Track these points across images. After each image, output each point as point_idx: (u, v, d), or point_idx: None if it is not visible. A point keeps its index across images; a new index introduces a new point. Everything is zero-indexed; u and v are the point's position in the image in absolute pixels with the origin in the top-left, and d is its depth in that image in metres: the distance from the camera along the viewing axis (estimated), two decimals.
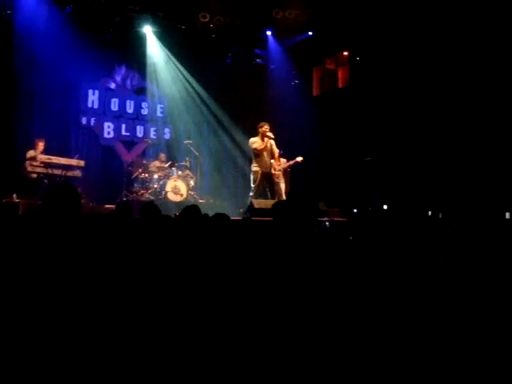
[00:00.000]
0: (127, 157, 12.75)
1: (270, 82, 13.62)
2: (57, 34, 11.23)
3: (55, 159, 9.73)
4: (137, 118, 13.30)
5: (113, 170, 12.29)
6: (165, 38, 12.68)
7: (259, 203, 8.57)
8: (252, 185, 9.36)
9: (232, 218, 4.36)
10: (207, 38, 12.69)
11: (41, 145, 10.01)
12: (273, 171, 9.54)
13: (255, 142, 9.31)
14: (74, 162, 10.01)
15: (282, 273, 2.49)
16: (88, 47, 11.67)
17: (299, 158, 10.86)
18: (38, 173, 9.58)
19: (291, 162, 10.97)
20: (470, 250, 2.83)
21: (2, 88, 10.58)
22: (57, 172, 9.63)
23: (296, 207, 2.75)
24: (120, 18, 11.83)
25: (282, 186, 10.96)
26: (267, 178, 9.44)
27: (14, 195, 9.02)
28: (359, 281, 2.67)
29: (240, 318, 2.44)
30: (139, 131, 13.29)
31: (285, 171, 11.07)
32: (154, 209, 4.66)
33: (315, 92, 13.85)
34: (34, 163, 9.54)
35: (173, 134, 13.53)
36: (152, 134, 13.41)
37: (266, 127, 9.32)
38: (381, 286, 2.77)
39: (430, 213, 9.01)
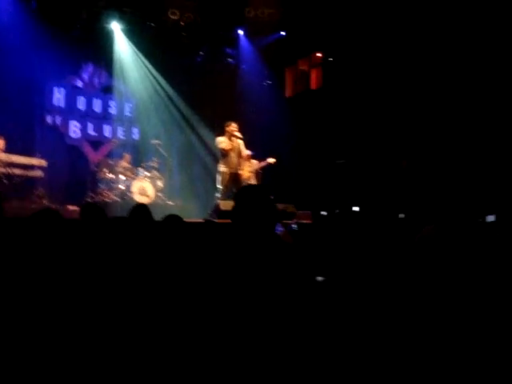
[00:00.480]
0: (94, 157, 12.38)
1: (241, 82, 13.36)
2: (22, 29, 10.88)
3: (15, 158, 9.36)
4: (104, 117, 12.93)
5: (79, 170, 11.88)
6: (133, 35, 12.33)
7: (226, 205, 8.25)
8: (219, 186, 9.09)
9: (194, 221, 4.18)
10: (177, 36, 12.37)
11: (1, 143, 9.59)
12: (240, 172, 9.28)
13: (222, 141, 9.04)
14: (35, 161, 9.64)
15: (226, 275, 2.34)
16: (54, 44, 11.24)
17: (271, 160, 10.70)
18: None
19: (263, 164, 10.78)
20: (442, 254, 2.95)
21: None
22: (17, 172, 9.26)
23: (242, 208, 2.53)
24: (87, 14, 11.47)
25: None
26: (235, 179, 9.17)
27: None
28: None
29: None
30: (107, 131, 12.93)
31: (256, 173, 10.90)
32: (96, 210, 4.34)
33: (288, 93, 13.67)
34: None
35: (141, 134, 13.17)
36: (120, 134, 13.06)
37: (233, 126, 9.07)
38: (345, 289, 2.72)
39: (401, 215, 8.85)
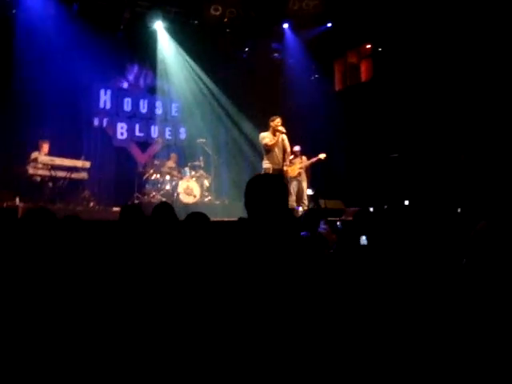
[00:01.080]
0: (142, 158, 12.32)
1: (288, 77, 13.03)
2: (65, 33, 10.84)
3: (58, 160, 9.32)
4: (151, 117, 12.85)
5: (126, 171, 11.79)
6: (177, 33, 12.16)
7: None
8: None
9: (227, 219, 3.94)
10: (221, 32, 12.17)
11: (45, 146, 9.60)
12: (286, 168, 8.94)
13: (266, 136, 8.70)
14: (78, 163, 9.57)
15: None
16: (98, 46, 11.21)
17: (322, 155, 10.43)
18: (41, 175, 9.17)
19: (313, 160, 10.53)
20: (497, 251, 2.74)
21: (8, 90, 10.23)
22: (61, 174, 9.22)
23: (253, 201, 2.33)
24: (130, 15, 11.40)
25: (304, 184, 10.46)
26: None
27: (17, 199, 8.62)
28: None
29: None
30: (154, 131, 12.85)
31: (306, 169, 10.62)
32: (135, 211, 4.12)
33: (337, 87, 13.27)
34: (37, 165, 9.11)
35: (188, 134, 13.02)
36: (167, 134, 12.95)
37: (277, 121, 8.72)
38: (390, 291, 2.65)
39: (459, 210, 8.38)
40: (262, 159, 8.98)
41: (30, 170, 9.14)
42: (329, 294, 2.16)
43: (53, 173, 9.07)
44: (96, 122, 12.07)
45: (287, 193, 2.41)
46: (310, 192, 8.94)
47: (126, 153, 12.47)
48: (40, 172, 9.16)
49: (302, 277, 2.10)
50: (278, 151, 8.68)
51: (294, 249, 2.23)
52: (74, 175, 9.39)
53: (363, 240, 3.82)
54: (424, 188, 9.69)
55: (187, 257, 3.09)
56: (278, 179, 2.38)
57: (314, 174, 11.37)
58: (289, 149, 8.93)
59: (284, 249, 2.18)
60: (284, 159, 8.74)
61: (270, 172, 8.58)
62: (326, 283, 2.19)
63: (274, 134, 8.66)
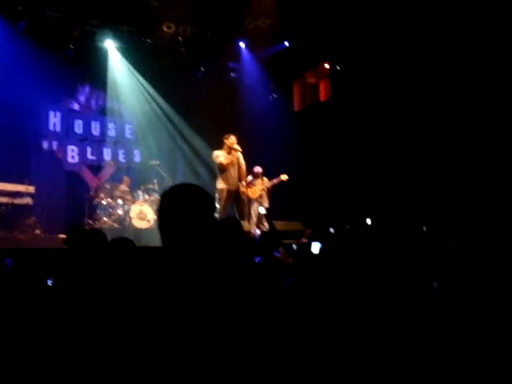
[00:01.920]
0: (94, 182, 11.75)
1: (245, 97, 12.69)
2: (10, 51, 10.36)
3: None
4: (103, 140, 12.31)
5: (78, 196, 11.22)
6: (129, 53, 11.75)
7: None
8: (217, 205, 8.30)
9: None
10: (175, 51, 11.79)
11: None
12: (242, 188, 8.52)
13: (220, 155, 8.31)
14: (21, 187, 8.99)
15: None
16: (46, 66, 10.71)
17: (284, 177, 10.21)
18: None
19: (275, 181, 10.31)
20: (469, 267, 2.62)
21: None
22: (2, 200, 8.61)
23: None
24: (80, 33, 10.94)
25: (266, 205, 10.13)
26: (234, 197, 8.38)
27: None
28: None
29: None
30: (106, 154, 12.30)
31: (268, 191, 10.32)
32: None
33: (296, 107, 13.05)
34: None
35: (143, 156, 12.52)
36: (121, 157, 12.44)
37: (232, 139, 8.34)
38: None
39: (424, 228, 8.13)
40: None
41: None
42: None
43: None
44: (45, 144, 11.49)
45: (212, 208, 1.93)
46: (262, 211, 8.51)
47: (78, 177, 11.89)
48: None
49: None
50: (233, 171, 8.29)
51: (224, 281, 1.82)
52: (17, 201, 8.80)
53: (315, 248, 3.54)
54: (387, 207, 9.44)
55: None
56: (198, 191, 1.95)
57: (275, 194, 11.12)
58: (244, 167, 8.52)
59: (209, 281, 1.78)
60: (240, 179, 8.32)
61: (225, 193, 8.16)
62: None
63: (229, 153, 8.26)
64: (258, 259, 4.42)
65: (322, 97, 12.22)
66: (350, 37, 10.49)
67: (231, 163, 8.25)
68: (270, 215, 8.07)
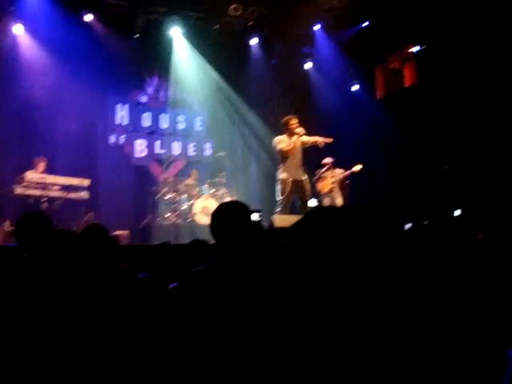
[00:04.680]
0: (162, 177, 11.25)
1: (322, 85, 11.80)
2: (74, 44, 10.06)
3: (51, 178, 8.31)
4: (173, 133, 11.81)
5: (144, 192, 10.75)
6: (197, 41, 11.10)
7: (282, 220, 6.58)
8: (279, 197, 7.45)
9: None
10: (246, 37, 11.09)
11: (41, 165, 8.60)
12: (303, 178, 7.58)
13: (282, 140, 7.44)
14: (75, 181, 8.53)
15: None
16: (114, 57, 10.45)
17: (357, 167, 9.47)
18: (33, 196, 8.15)
19: (347, 173, 9.57)
20: None
21: (10, 105, 9.47)
22: (55, 194, 8.21)
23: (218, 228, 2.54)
24: (145, 21, 10.46)
25: (338, 201, 9.28)
26: (297, 188, 7.48)
27: (7, 222, 7.68)
28: None
29: None
30: (176, 148, 11.80)
31: (341, 184, 9.58)
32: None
33: (379, 94, 12.08)
34: (24, 184, 8.09)
35: (214, 150, 11.91)
36: (191, 150, 11.92)
37: (294, 121, 7.46)
38: None
39: None
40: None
41: (17, 190, 8.10)
42: None
43: (46, 193, 8.06)
44: (112, 139, 11.15)
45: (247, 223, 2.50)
46: (313, 203, 7.55)
47: (146, 172, 11.46)
48: (29, 192, 8.12)
49: None
50: (296, 158, 7.38)
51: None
52: (72, 195, 8.36)
53: None
54: (476, 201, 8.34)
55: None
56: (241, 209, 2.53)
57: (355, 188, 10.29)
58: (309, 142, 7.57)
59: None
60: (301, 167, 7.39)
61: (289, 183, 7.30)
62: None
63: (291, 138, 7.39)
64: None
65: (407, 82, 11.34)
66: (437, 15, 9.47)
67: (294, 150, 7.36)
68: None
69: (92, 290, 2.85)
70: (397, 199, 10.17)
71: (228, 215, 2.48)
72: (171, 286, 3.13)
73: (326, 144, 8.07)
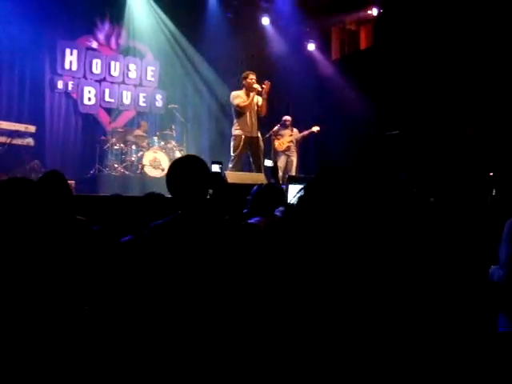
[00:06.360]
0: (110, 127, 10.94)
1: (278, 42, 11.69)
2: None
3: None
4: (123, 82, 11.46)
5: (91, 141, 10.44)
6: None
7: (234, 177, 6.57)
8: (232, 153, 7.39)
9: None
10: None
11: None
12: (256, 135, 7.51)
13: (238, 95, 7.33)
14: (20, 126, 8.21)
15: None
16: None
17: (315, 128, 9.64)
18: None
19: (305, 133, 9.74)
20: None
21: None
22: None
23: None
24: None
25: (294, 160, 9.40)
26: (251, 145, 7.43)
27: None
28: None
29: None
30: (126, 97, 11.46)
31: (297, 143, 9.78)
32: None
33: (334, 55, 12.06)
34: None
35: (165, 102, 11.64)
36: (141, 101, 11.60)
37: (251, 77, 7.36)
38: None
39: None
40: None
41: None
42: None
43: None
44: (60, 84, 10.72)
45: (206, 178, 2.46)
46: (268, 163, 7.51)
47: (94, 120, 11.09)
48: None
49: None
50: (251, 115, 7.29)
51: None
52: (16, 141, 8.04)
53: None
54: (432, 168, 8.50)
55: None
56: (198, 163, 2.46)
57: (305, 149, 10.56)
58: (264, 111, 7.49)
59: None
60: (257, 125, 7.33)
61: (242, 139, 7.23)
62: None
63: (248, 94, 7.29)
64: (253, 220, 3.64)
65: (363, 45, 11.41)
66: None
67: (250, 106, 7.26)
68: (276, 170, 7.10)
69: (57, 243, 2.69)
70: (344, 160, 10.27)
71: (187, 169, 2.41)
72: (125, 239, 3.05)
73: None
